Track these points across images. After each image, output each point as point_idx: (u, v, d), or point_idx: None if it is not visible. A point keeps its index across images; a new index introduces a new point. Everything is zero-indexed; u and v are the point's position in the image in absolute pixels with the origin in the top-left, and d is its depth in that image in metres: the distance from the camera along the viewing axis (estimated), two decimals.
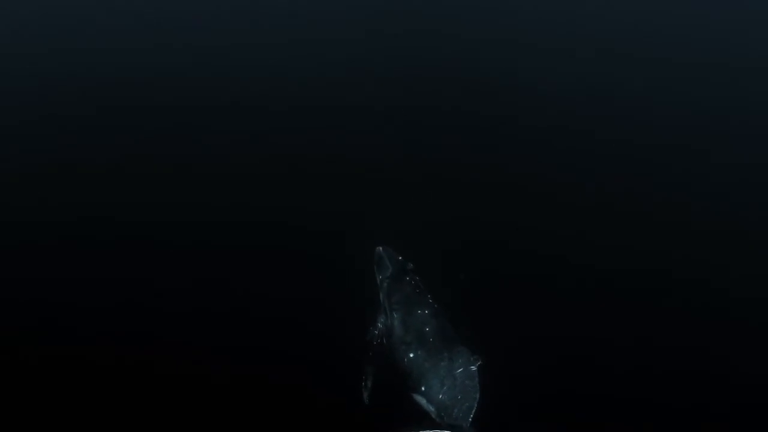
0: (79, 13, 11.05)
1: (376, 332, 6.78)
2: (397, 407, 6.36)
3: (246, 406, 6.55)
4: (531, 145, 9.55)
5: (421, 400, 6.34)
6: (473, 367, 6.25)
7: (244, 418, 6.48)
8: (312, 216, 8.23)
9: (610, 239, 8.28)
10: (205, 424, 6.43)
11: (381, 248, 7.12)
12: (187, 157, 8.97)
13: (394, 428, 5.89)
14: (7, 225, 8.16)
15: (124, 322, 7.08)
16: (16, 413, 6.37)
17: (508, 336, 6.73)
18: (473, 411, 6.15)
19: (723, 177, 9.38)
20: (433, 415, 6.23)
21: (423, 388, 6.31)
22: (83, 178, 8.73)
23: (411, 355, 6.39)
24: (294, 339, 6.93)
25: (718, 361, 7.08)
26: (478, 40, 11.07)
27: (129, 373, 6.67)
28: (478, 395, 6.19)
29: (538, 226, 8.32)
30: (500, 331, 6.70)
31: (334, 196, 8.47)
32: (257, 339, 6.94)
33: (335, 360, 6.62)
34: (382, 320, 6.77)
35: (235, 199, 8.48)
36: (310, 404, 6.47)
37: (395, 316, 6.60)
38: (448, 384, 6.24)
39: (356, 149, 9.15)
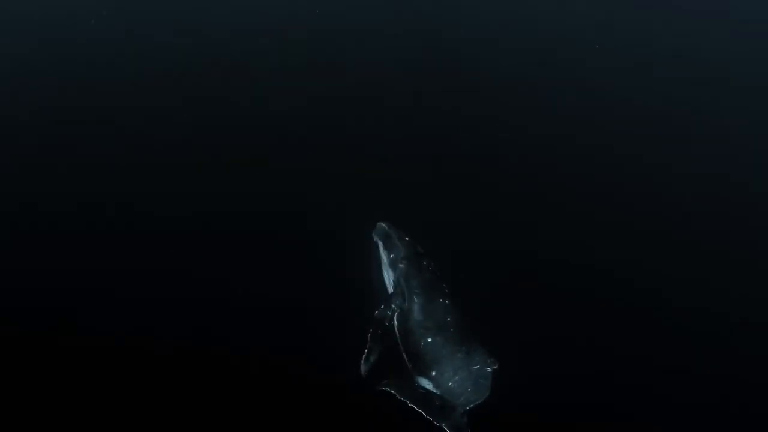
0: (78, 12, 11.04)
1: (389, 312, 6.72)
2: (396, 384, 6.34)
3: (244, 405, 6.51)
4: (538, 147, 9.69)
5: (428, 384, 6.42)
6: (489, 369, 6.30)
7: (242, 417, 6.44)
8: (310, 214, 8.20)
9: (620, 243, 8.43)
10: (203, 423, 6.38)
11: (384, 224, 7.03)
12: (185, 157, 8.82)
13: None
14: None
15: (122, 322, 6.95)
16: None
17: (527, 342, 6.78)
18: (475, 404, 6.23)
19: (727, 183, 9.65)
20: (436, 401, 6.25)
21: (434, 373, 6.36)
22: (85, 172, 8.58)
23: (429, 340, 6.43)
24: (292, 335, 6.94)
25: (720, 361, 7.32)
26: (479, 41, 11.25)
27: (126, 372, 6.59)
28: (488, 393, 6.29)
29: (546, 230, 8.40)
30: (519, 337, 6.75)
31: (333, 195, 8.41)
32: (256, 337, 6.91)
33: (334, 357, 6.61)
34: (398, 302, 6.72)
35: (233, 198, 8.39)
36: (309, 403, 6.48)
37: (415, 300, 6.61)
38: (462, 375, 6.31)
39: (356, 149, 9.15)
